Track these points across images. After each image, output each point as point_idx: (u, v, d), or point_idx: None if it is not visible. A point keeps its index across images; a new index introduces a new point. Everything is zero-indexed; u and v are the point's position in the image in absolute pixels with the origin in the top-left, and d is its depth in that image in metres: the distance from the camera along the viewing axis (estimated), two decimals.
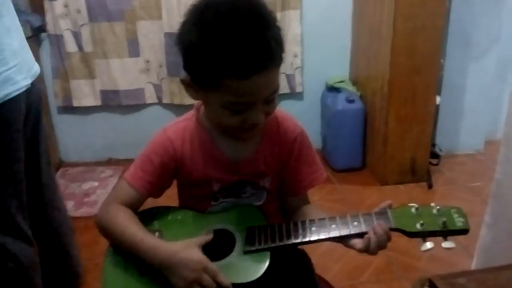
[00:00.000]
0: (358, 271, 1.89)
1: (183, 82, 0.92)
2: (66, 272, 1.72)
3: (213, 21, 0.82)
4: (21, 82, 1.28)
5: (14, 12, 1.34)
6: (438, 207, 0.88)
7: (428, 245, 0.86)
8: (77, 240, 2.12)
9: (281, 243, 0.90)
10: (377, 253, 0.87)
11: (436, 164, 2.68)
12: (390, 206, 0.91)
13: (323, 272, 1.26)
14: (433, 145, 2.70)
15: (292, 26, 2.73)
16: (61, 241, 1.68)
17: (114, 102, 2.81)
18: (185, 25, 0.87)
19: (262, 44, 0.82)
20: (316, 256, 1.18)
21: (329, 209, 2.31)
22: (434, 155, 2.68)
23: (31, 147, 1.44)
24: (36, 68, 1.41)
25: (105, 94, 2.79)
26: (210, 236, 0.93)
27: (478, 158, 2.92)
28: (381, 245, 0.86)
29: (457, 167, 2.79)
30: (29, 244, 1.40)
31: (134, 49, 2.71)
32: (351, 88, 2.73)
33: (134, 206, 1.01)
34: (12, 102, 1.25)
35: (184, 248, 0.89)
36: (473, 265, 1.46)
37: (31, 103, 1.39)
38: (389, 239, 0.87)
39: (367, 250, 0.87)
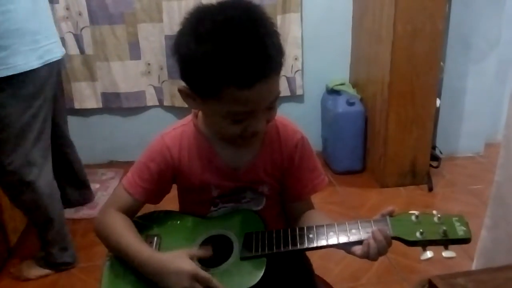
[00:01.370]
0: (359, 273, 1.89)
1: (181, 92, 0.91)
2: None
3: (211, 31, 0.81)
4: (57, 54, 1.84)
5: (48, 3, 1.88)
6: (439, 215, 0.86)
7: (428, 254, 0.84)
8: (78, 242, 2.14)
9: (278, 250, 0.89)
10: (377, 259, 0.86)
11: (437, 167, 2.68)
12: (391, 213, 0.89)
13: (324, 274, 1.26)
14: (433, 147, 2.70)
15: (292, 29, 2.74)
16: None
17: (115, 105, 2.82)
18: (182, 35, 0.85)
19: (262, 52, 0.80)
20: (316, 258, 1.18)
21: (329, 211, 2.32)
22: (434, 158, 2.68)
23: (57, 103, 1.98)
24: (63, 49, 1.95)
25: (106, 96, 2.80)
26: (207, 253, 0.92)
27: (478, 161, 2.92)
28: (381, 251, 0.85)
29: (457, 170, 2.80)
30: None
31: (135, 51, 2.72)
32: (351, 90, 2.74)
33: (131, 213, 1.01)
34: (50, 66, 1.78)
35: (175, 258, 0.89)
36: (474, 267, 1.46)
37: (60, 73, 2.00)
38: (389, 245, 0.86)
39: (367, 256, 0.85)
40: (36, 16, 1.72)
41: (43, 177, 1.83)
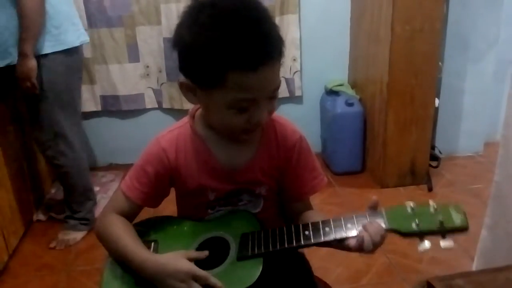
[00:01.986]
0: (359, 274, 1.89)
1: (182, 85, 0.90)
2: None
3: (213, 18, 0.81)
4: (87, 37, 2.14)
5: None
6: (435, 206, 0.85)
7: (426, 244, 0.83)
8: (78, 245, 2.14)
9: (274, 249, 0.89)
10: (373, 251, 0.85)
11: (436, 167, 2.68)
12: (376, 204, 0.89)
13: (324, 275, 1.26)
14: (433, 147, 2.70)
15: (290, 30, 2.74)
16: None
17: (114, 107, 2.82)
18: (181, 27, 0.86)
19: (265, 35, 0.82)
20: (317, 259, 1.18)
21: (329, 212, 2.31)
22: (434, 158, 2.68)
23: None
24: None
25: (105, 99, 2.80)
26: (203, 254, 0.92)
27: (477, 160, 2.93)
28: (376, 242, 0.84)
29: (457, 170, 2.79)
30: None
31: (133, 54, 2.72)
32: (350, 91, 2.74)
33: (131, 216, 1.01)
34: (82, 47, 2.11)
35: (171, 259, 0.89)
36: (474, 267, 1.47)
37: None
38: (383, 237, 0.85)
39: (361, 248, 0.84)
40: (71, 1, 2.06)
41: (81, 140, 2.21)
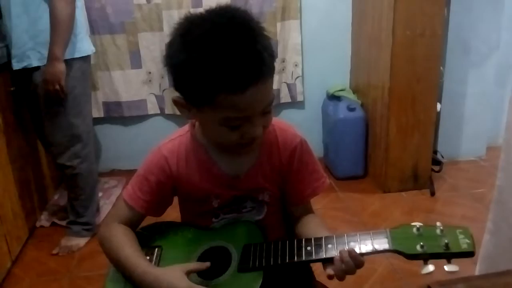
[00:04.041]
0: (362, 279, 1.88)
1: (176, 103, 0.90)
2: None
3: (200, 38, 0.80)
4: (93, 47, 2.20)
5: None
6: (441, 228, 0.83)
7: (430, 267, 0.81)
8: (81, 251, 2.14)
9: (276, 263, 0.88)
10: (344, 278, 0.86)
11: (438, 171, 2.68)
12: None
13: (327, 280, 1.26)
14: (435, 152, 2.70)
15: (292, 35, 2.75)
16: None
17: (116, 114, 2.83)
18: (172, 45, 0.85)
19: (253, 56, 0.80)
20: (319, 264, 1.17)
21: (331, 217, 2.31)
22: (436, 162, 2.68)
23: None
24: None
25: (107, 105, 2.81)
26: (204, 265, 0.92)
27: (480, 164, 2.92)
28: (348, 272, 0.84)
29: (459, 174, 2.79)
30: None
31: (136, 60, 2.74)
32: (351, 96, 2.75)
33: (133, 225, 1.01)
34: (90, 57, 2.15)
35: (168, 274, 0.89)
36: (477, 272, 1.46)
37: None
38: (358, 265, 0.85)
39: (337, 276, 0.85)
40: (84, 13, 2.15)
41: (93, 142, 2.26)
